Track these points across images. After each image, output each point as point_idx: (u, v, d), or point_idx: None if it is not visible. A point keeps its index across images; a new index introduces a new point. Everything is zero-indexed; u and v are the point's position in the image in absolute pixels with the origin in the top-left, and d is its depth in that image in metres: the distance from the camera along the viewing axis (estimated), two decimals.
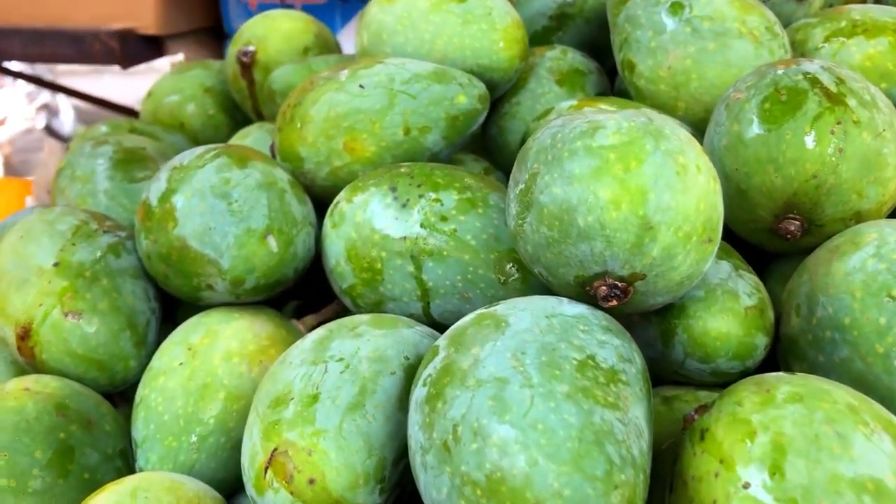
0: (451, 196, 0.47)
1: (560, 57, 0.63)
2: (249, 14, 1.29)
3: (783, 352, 0.42)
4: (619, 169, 0.36)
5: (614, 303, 0.37)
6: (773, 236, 0.45)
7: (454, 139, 0.54)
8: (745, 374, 0.42)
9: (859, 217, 0.44)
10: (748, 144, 0.44)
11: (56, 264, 0.50)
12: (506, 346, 0.34)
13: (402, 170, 0.49)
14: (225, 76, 0.84)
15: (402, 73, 0.52)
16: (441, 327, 0.47)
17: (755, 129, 0.44)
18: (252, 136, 0.75)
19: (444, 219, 0.46)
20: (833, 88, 0.44)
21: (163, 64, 1.25)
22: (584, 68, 0.63)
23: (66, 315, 0.48)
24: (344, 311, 0.53)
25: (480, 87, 0.54)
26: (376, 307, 0.48)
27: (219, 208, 0.49)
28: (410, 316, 0.47)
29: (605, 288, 0.37)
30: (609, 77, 0.66)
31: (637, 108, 0.54)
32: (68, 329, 0.48)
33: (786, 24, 0.62)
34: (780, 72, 0.45)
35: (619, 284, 0.37)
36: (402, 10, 0.58)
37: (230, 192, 0.49)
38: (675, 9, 0.55)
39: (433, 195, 0.47)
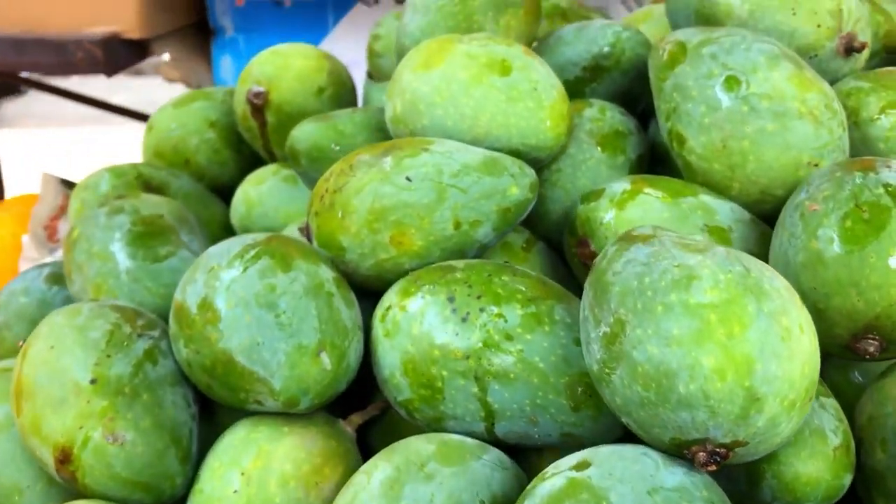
0: (515, 311, 0.45)
1: (599, 117, 0.60)
2: (235, 10, 1.23)
3: (867, 484, 0.42)
4: (723, 334, 0.34)
5: (713, 468, 0.35)
6: (847, 351, 0.44)
7: (505, 229, 0.52)
8: None
9: None
10: (828, 265, 0.42)
11: (93, 381, 0.47)
12: None
13: (458, 275, 0.47)
14: (229, 107, 0.80)
15: (452, 165, 0.50)
16: (504, 445, 0.46)
17: (836, 248, 0.42)
18: (268, 184, 0.72)
19: (509, 337, 0.44)
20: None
21: (148, 66, 1.19)
22: (625, 128, 0.61)
23: (107, 438, 0.46)
24: (389, 407, 0.51)
25: (531, 176, 0.52)
26: (434, 423, 0.46)
27: (266, 320, 0.46)
28: (472, 434, 0.46)
29: (704, 454, 0.35)
30: (641, 121, 0.64)
31: (694, 193, 0.52)
32: (112, 453, 0.46)
33: (832, 80, 0.60)
34: (858, 181, 0.44)
35: (720, 451, 0.35)
36: (439, 80, 0.55)
37: (277, 302, 0.46)
38: (731, 84, 0.52)
39: (495, 309, 0.45)
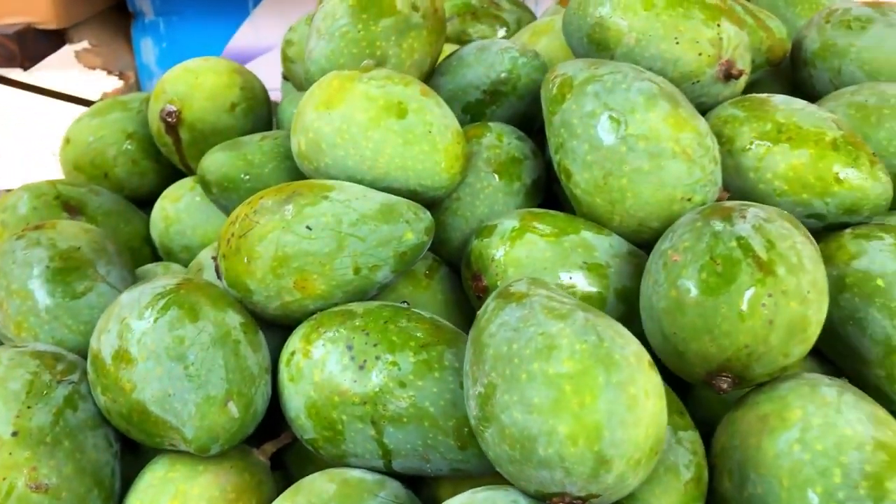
0: (408, 358, 0.49)
1: (497, 144, 0.64)
2: None
3: None
4: (576, 404, 0.39)
5: None
6: (706, 385, 0.49)
7: (403, 269, 0.55)
8: None
9: (784, 370, 0.48)
10: (686, 312, 0.47)
11: (15, 433, 0.50)
12: None
13: (357, 322, 0.51)
14: (146, 117, 0.81)
15: (350, 214, 0.53)
16: (404, 477, 0.50)
17: (692, 298, 0.47)
18: (184, 200, 0.74)
19: (402, 384, 0.48)
20: (764, 256, 0.46)
21: (67, 54, 1.18)
22: (521, 154, 0.64)
23: (30, 486, 0.49)
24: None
25: (426, 220, 0.55)
26: (338, 459, 0.51)
27: (176, 372, 0.49)
28: (373, 468, 0.50)
29: None
30: (539, 140, 0.67)
31: (576, 230, 0.56)
32: (36, 501, 0.49)
33: (713, 104, 0.64)
34: (715, 232, 0.48)
35: (577, 502, 0.40)
36: (340, 121, 0.58)
37: (186, 354, 0.50)
38: (612, 124, 0.56)
39: (390, 357, 0.49)
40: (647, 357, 0.42)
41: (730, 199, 0.59)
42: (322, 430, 0.50)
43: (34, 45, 1.10)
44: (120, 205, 0.78)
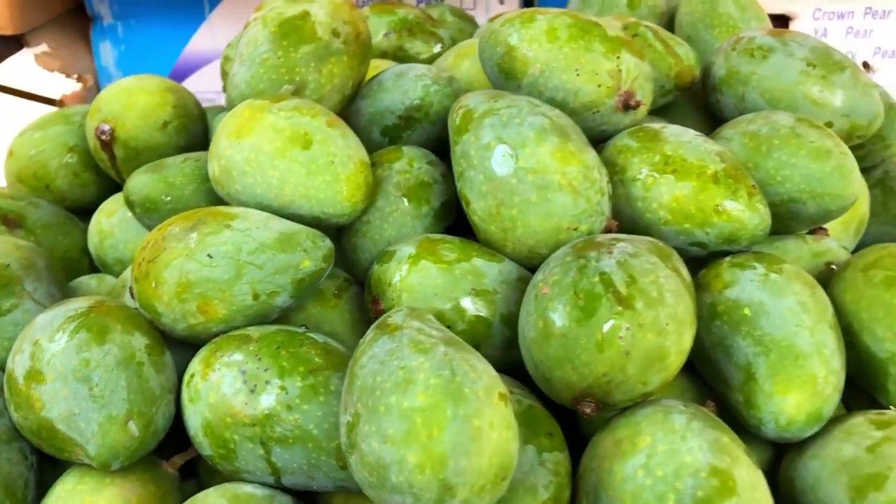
0: (296, 383, 0.52)
1: (407, 169, 0.67)
2: None
3: None
4: (425, 436, 0.42)
5: None
6: (574, 408, 0.53)
7: (302, 295, 0.58)
8: None
9: (646, 396, 0.52)
10: (550, 343, 0.50)
11: None
12: None
13: (251, 347, 0.54)
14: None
15: (249, 243, 0.56)
16: (295, 492, 0.54)
17: (556, 329, 0.50)
18: (118, 216, 0.77)
19: (289, 408, 0.51)
20: (624, 291, 0.50)
21: (26, 58, 1.20)
22: (430, 179, 0.67)
23: None
24: None
25: (325, 248, 0.58)
26: (234, 474, 0.54)
27: (81, 393, 0.53)
28: (265, 483, 0.54)
29: None
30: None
31: (468, 257, 0.59)
32: None
33: (614, 131, 0.67)
34: (582, 264, 0.51)
35: None
36: (249, 150, 0.61)
37: (91, 376, 0.53)
38: (504, 157, 0.59)
39: (278, 382, 0.52)
40: (498, 389, 0.45)
41: (619, 227, 0.62)
42: (217, 448, 0.53)
43: None
44: (59, 217, 0.81)
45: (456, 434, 0.42)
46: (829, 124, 0.70)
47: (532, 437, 0.51)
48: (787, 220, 0.65)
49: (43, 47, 1.20)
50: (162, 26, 1.27)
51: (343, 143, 0.61)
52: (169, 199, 0.68)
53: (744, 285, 0.57)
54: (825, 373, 0.53)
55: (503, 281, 0.59)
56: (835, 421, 0.54)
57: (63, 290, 0.70)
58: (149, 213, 0.69)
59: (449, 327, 0.57)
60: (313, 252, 0.57)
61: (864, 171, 0.79)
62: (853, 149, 0.68)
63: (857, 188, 0.64)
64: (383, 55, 0.94)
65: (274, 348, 0.54)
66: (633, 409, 0.51)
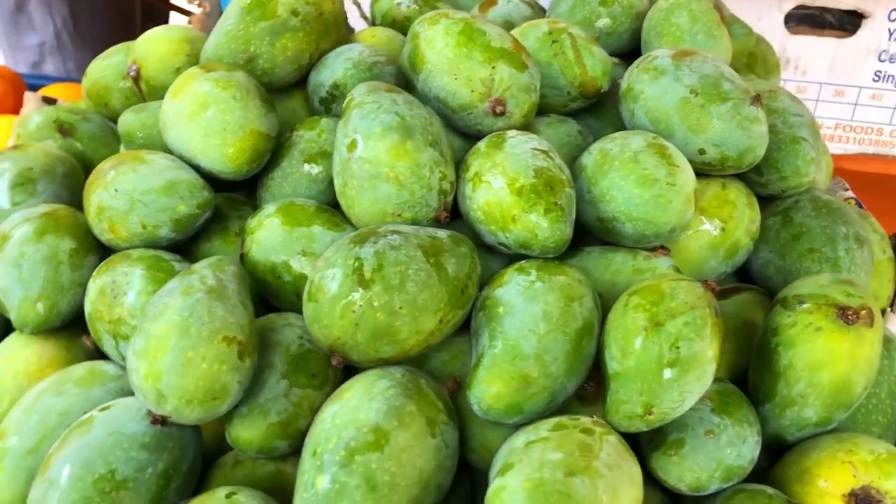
0: (141, 298, 0.69)
1: (314, 139, 0.80)
2: None
3: None
4: (152, 355, 0.58)
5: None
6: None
7: (184, 232, 0.74)
8: None
9: (385, 361, 0.63)
10: (310, 305, 0.63)
11: None
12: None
13: (126, 264, 0.71)
14: None
15: (142, 185, 0.72)
16: None
17: (314, 295, 0.63)
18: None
19: (132, 316, 0.69)
20: (368, 275, 0.61)
21: None
22: (332, 149, 0.80)
23: None
24: None
25: (201, 196, 0.73)
26: (106, 354, 0.73)
27: (13, 275, 0.73)
28: (121, 365, 0.72)
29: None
30: None
31: (311, 223, 0.72)
32: None
33: (489, 131, 0.76)
34: (350, 247, 0.63)
35: (159, 417, 0.59)
36: (175, 109, 0.77)
37: (22, 264, 0.73)
38: (352, 145, 0.71)
39: (133, 294, 0.69)
40: (224, 334, 0.59)
41: (453, 218, 0.72)
42: (94, 334, 0.72)
43: None
44: (105, 131, 1.02)
45: (172, 358, 0.57)
46: (702, 151, 0.74)
47: (290, 375, 0.65)
48: (615, 236, 0.72)
49: None
50: None
51: (240, 113, 0.75)
52: (141, 136, 0.86)
53: (510, 287, 0.66)
54: (537, 375, 0.62)
55: (328, 244, 0.71)
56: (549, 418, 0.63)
57: (72, 193, 0.91)
58: (128, 146, 0.88)
59: (279, 277, 0.71)
60: (189, 199, 0.73)
61: (769, 198, 0.81)
62: (754, 177, 0.74)
63: (677, 218, 0.69)
64: (392, 24, 1.05)
65: (142, 268, 0.71)
66: (365, 372, 0.63)
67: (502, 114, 0.74)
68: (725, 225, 0.76)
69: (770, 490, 0.63)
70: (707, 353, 0.60)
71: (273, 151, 0.80)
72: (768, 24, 1.21)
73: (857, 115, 1.24)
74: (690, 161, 0.74)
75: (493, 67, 0.74)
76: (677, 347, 0.59)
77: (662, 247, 0.73)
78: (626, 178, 0.69)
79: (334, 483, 0.55)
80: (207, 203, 0.74)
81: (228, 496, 0.57)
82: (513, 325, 0.63)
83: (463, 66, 0.74)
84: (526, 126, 0.77)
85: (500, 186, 0.68)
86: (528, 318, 0.63)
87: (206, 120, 0.75)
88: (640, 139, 0.72)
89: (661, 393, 0.59)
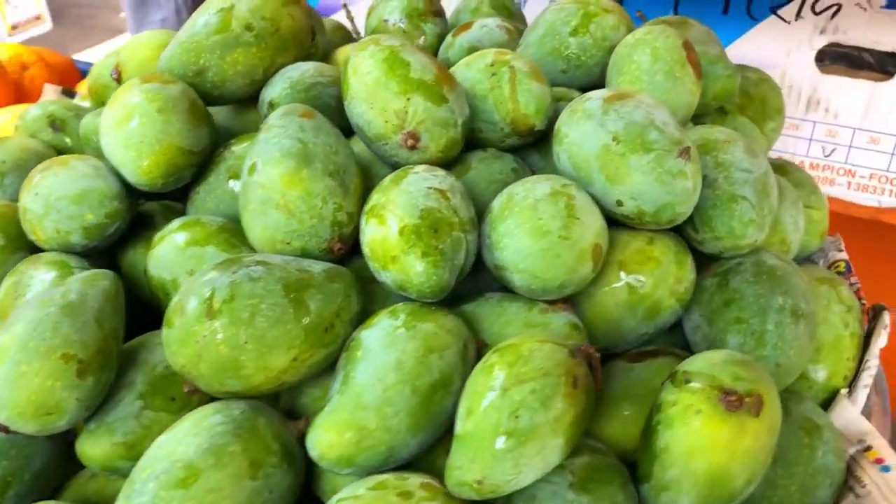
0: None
1: (242, 155, 0.80)
2: None
3: None
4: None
5: None
6: None
7: (95, 239, 0.76)
8: None
9: (235, 395, 0.62)
10: (168, 328, 0.62)
11: None
12: None
13: (37, 265, 0.73)
14: None
15: (57, 191, 0.74)
16: None
17: (171, 319, 0.62)
18: None
19: None
20: (217, 306, 0.60)
21: None
22: None
23: None
24: None
25: (110, 207, 0.74)
26: None
27: None
28: None
29: None
30: None
31: (206, 243, 0.72)
32: None
33: (405, 163, 0.74)
34: (212, 275, 0.62)
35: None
36: (107, 117, 0.78)
37: None
38: (251, 169, 0.70)
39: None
40: (62, 351, 0.59)
41: (342, 250, 0.70)
42: None
43: None
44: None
45: (7, 371, 0.58)
46: (620, 203, 0.69)
47: (148, 396, 0.65)
48: (509, 286, 0.68)
49: None
50: None
51: (161, 127, 0.75)
52: (95, 139, 0.88)
53: (375, 330, 0.63)
54: (374, 427, 0.59)
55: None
56: None
57: None
58: (86, 148, 0.90)
59: (167, 295, 0.71)
60: (98, 209, 0.74)
61: (708, 257, 0.75)
62: (691, 234, 0.72)
63: (566, 274, 0.65)
64: None
65: (45, 271, 0.72)
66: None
67: (415, 147, 0.72)
68: (646, 282, 0.70)
69: None
70: (551, 426, 0.56)
71: (204, 165, 0.81)
72: (797, 60, 1.13)
73: (894, 165, 1.14)
74: (609, 213, 0.70)
75: (408, 99, 0.71)
76: (517, 416, 0.56)
77: (565, 300, 0.69)
78: (521, 226, 0.66)
79: None
80: (117, 213, 0.75)
81: None
82: (365, 372, 0.61)
83: (379, 95, 0.72)
84: (446, 160, 0.75)
85: (387, 224, 0.66)
86: (380, 365, 0.61)
87: (128, 131, 0.76)
88: (547, 185, 0.68)
89: (492, 463, 0.56)
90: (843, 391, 0.77)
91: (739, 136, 0.76)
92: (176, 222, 0.75)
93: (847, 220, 1.23)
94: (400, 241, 0.64)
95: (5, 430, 0.60)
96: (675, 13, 1.20)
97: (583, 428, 0.59)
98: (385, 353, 0.61)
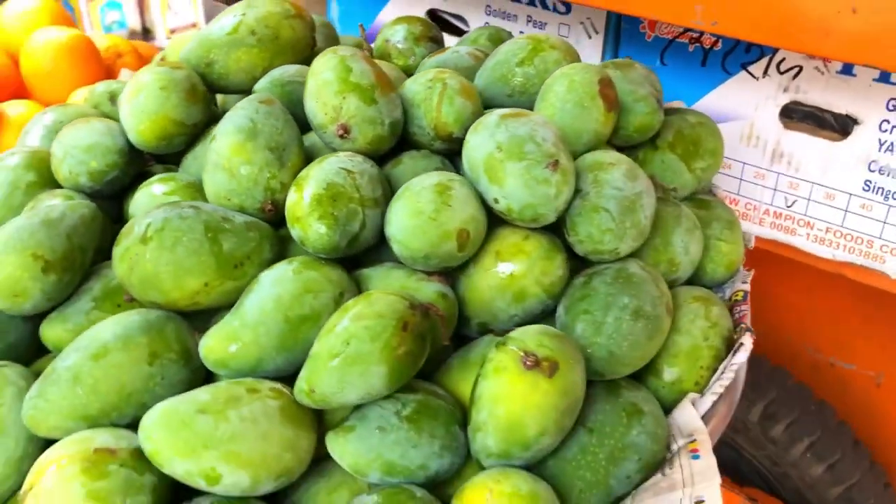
0: None
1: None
2: None
3: None
4: None
5: None
6: None
7: (99, 183, 0.96)
8: None
9: (159, 307, 0.80)
10: (114, 246, 0.81)
11: None
12: None
13: None
14: None
15: (74, 140, 0.95)
16: None
17: (117, 241, 0.81)
18: None
19: None
20: (150, 234, 0.78)
21: None
22: None
23: None
24: None
25: (110, 159, 0.94)
26: None
27: None
28: None
29: None
30: None
31: (185, 196, 0.91)
32: None
33: (340, 148, 0.90)
34: (151, 213, 0.80)
35: None
36: (128, 89, 0.98)
37: None
38: (212, 138, 0.88)
39: None
40: (32, 251, 0.79)
41: (273, 210, 0.87)
42: None
43: None
44: None
45: None
46: (496, 201, 0.83)
47: (99, 300, 0.83)
48: (396, 254, 0.83)
49: None
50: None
51: (160, 101, 0.95)
52: None
53: (272, 272, 0.80)
54: (248, 341, 0.75)
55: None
56: None
57: None
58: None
59: None
60: (100, 159, 0.94)
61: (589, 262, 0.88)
62: (567, 237, 0.86)
63: (429, 247, 0.79)
64: (383, 57, 1.21)
65: (57, 200, 0.93)
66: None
67: (344, 137, 0.88)
68: (515, 272, 0.84)
69: (419, 492, 0.72)
70: (375, 356, 0.70)
71: (197, 136, 1.00)
72: (763, 114, 1.23)
73: (848, 221, 1.23)
74: (491, 208, 0.84)
75: (344, 98, 0.88)
76: (347, 343, 0.70)
77: (442, 273, 0.83)
78: (404, 207, 0.81)
79: (60, 369, 0.73)
80: (115, 164, 0.95)
81: None
82: (252, 300, 0.77)
83: (323, 92, 0.89)
84: (375, 152, 0.91)
85: (301, 192, 0.82)
86: (265, 296, 0.77)
87: (135, 101, 0.96)
88: (436, 178, 0.83)
89: (323, 377, 0.71)
90: (692, 395, 0.87)
91: (626, 161, 0.89)
92: (156, 176, 0.94)
93: (808, 270, 1.31)
94: (305, 205, 0.81)
95: None
96: (662, 62, 1.32)
97: (411, 366, 0.73)
98: (271, 287, 0.77)
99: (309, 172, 0.84)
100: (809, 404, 1.52)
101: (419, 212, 0.80)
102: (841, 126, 1.21)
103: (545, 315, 0.88)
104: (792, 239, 1.29)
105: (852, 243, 1.21)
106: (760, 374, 1.51)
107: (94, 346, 0.74)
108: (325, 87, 0.89)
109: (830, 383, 1.55)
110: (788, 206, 1.27)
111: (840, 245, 1.23)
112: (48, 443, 0.71)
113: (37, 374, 0.77)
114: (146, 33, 2.87)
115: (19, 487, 0.71)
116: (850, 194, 1.19)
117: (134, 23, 2.92)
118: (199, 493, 0.70)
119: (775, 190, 1.28)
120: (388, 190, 0.87)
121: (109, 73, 1.60)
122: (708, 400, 0.87)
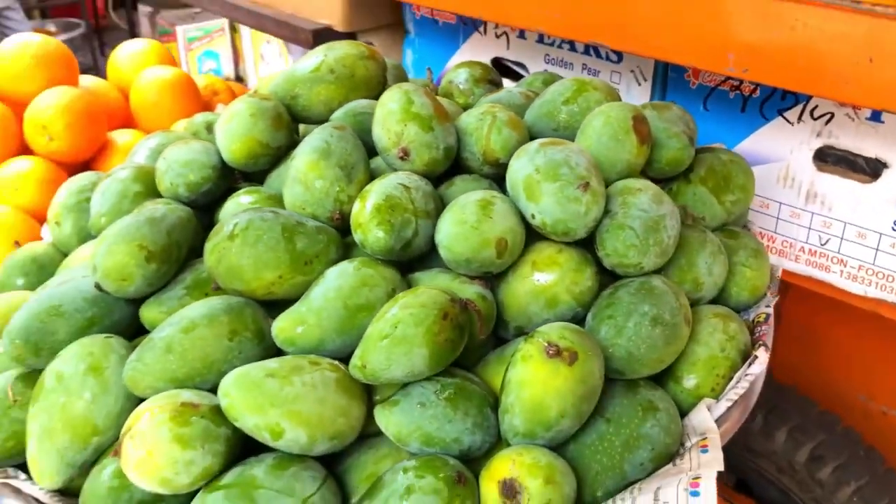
0: None
1: None
2: (415, 20, 1.83)
3: None
4: (100, 243, 0.94)
5: None
6: None
7: (195, 193, 1.11)
8: None
9: (240, 294, 0.94)
10: (206, 241, 0.96)
11: None
12: None
13: None
14: None
15: (175, 156, 1.11)
16: None
17: (209, 237, 0.95)
18: None
19: None
20: (237, 232, 0.92)
21: None
22: None
23: None
24: None
25: (204, 173, 1.09)
26: None
27: (99, 197, 1.15)
28: None
29: None
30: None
31: (268, 204, 1.05)
32: None
33: (400, 168, 1.04)
34: (240, 215, 0.95)
35: None
36: (224, 114, 1.15)
37: (105, 192, 1.15)
38: (292, 157, 1.03)
39: None
40: (138, 242, 0.94)
41: (340, 219, 1.01)
42: None
43: (327, 41, 1.80)
44: None
45: (105, 248, 0.93)
46: (533, 216, 0.95)
47: (191, 288, 0.97)
48: (443, 258, 0.96)
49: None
50: (441, 44, 1.82)
51: (248, 126, 1.10)
52: None
53: (336, 268, 0.93)
54: (312, 324, 0.88)
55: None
56: None
57: None
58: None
59: None
60: (197, 173, 1.10)
61: (616, 276, 0.98)
62: (597, 252, 0.97)
63: (471, 252, 0.91)
64: (446, 95, 1.35)
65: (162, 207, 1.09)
66: None
67: (405, 159, 1.02)
68: (548, 280, 0.95)
69: (452, 461, 0.83)
70: (419, 339, 0.82)
71: (281, 157, 1.15)
72: (798, 157, 1.32)
73: (879, 260, 1.30)
74: (529, 223, 0.95)
75: (405, 125, 1.02)
76: (395, 327, 0.83)
77: (482, 277, 0.95)
78: (451, 218, 0.93)
79: (155, 339, 0.87)
80: (209, 178, 1.10)
81: None
82: (318, 291, 0.90)
83: (388, 120, 1.03)
84: (431, 174, 1.04)
85: (364, 203, 0.96)
86: (328, 287, 0.90)
87: (229, 126, 1.11)
88: (480, 195, 0.95)
89: (373, 354, 0.82)
90: (707, 399, 0.96)
91: (653, 188, 1.00)
92: (243, 189, 1.09)
93: (842, 307, 1.38)
94: (367, 213, 0.94)
95: (98, 287, 0.95)
96: (705, 108, 1.43)
97: (450, 351, 0.85)
98: (334, 280, 0.90)
99: (371, 187, 0.97)
100: (858, 449, 1.53)
101: (463, 221, 0.92)
102: (871, 169, 1.29)
103: (575, 322, 0.98)
104: (826, 276, 1.36)
105: (884, 281, 1.28)
106: (809, 418, 1.53)
107: (184, 322, 0.88)
108: (390, 115, 1.03)
109: (883, 430, 1.57)
110: (822, 245, 1.34)
111: (872, 282, 1.30)
112: (142, 401, 0.85)
113: (135, 348, 0.91)
114: (239, 81, 3.11)
115: (117, 438, 0.85)
116: (881, 234, 1.26)
117: (229, 71, 3.17)
118: (265, 449, 0.82)
119: (810, 228, 1.35)
120: (441, 205, 1.00)
121: (207, 107, 1.79)
122: (722, 405, 0.95)
